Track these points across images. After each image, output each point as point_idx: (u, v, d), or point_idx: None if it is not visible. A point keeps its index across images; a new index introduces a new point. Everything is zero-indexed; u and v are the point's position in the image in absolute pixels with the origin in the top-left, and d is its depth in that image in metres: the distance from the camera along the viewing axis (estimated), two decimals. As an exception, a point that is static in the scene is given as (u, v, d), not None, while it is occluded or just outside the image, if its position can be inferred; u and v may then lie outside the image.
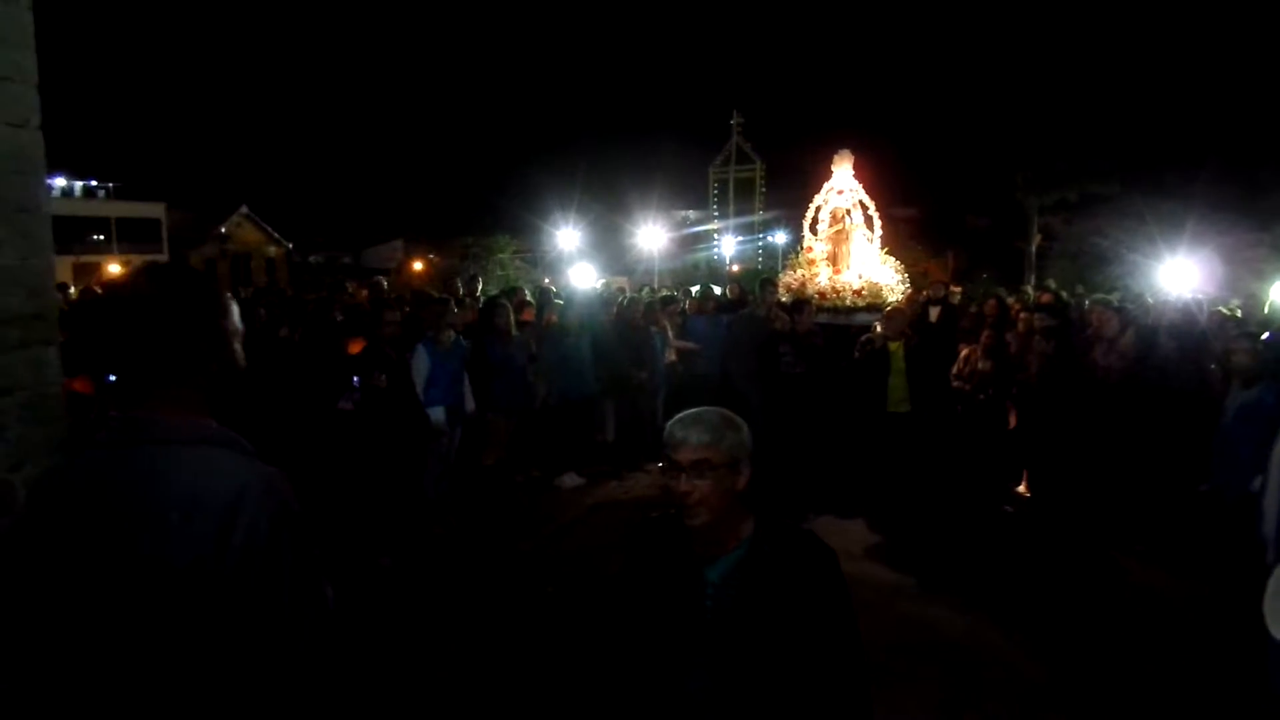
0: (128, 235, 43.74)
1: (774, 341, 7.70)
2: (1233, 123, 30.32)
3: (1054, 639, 4.58)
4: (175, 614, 1.30)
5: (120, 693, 1.31)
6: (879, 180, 10.93)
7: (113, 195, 45.45)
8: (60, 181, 43.04)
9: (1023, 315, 7.68)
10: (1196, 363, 6.53)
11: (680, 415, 1.96)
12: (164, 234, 45.24)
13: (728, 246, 39.74)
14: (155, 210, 45.03)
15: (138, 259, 43.05)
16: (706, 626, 1.86)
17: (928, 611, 4.93)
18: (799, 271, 10.01)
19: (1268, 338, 5.48)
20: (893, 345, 7.17)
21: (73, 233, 40.70)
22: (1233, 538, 4.65)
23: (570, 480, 7.71)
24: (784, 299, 9.05)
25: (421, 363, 6.35)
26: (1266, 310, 8.94)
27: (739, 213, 39.77)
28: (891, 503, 6.72)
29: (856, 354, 7.36)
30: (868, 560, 5.77)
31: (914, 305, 9.10)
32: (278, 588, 1.34)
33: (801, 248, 10.40)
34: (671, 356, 8.39)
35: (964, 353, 7.58)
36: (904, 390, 7.10)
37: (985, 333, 7.54)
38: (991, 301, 8.64)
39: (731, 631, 1.84)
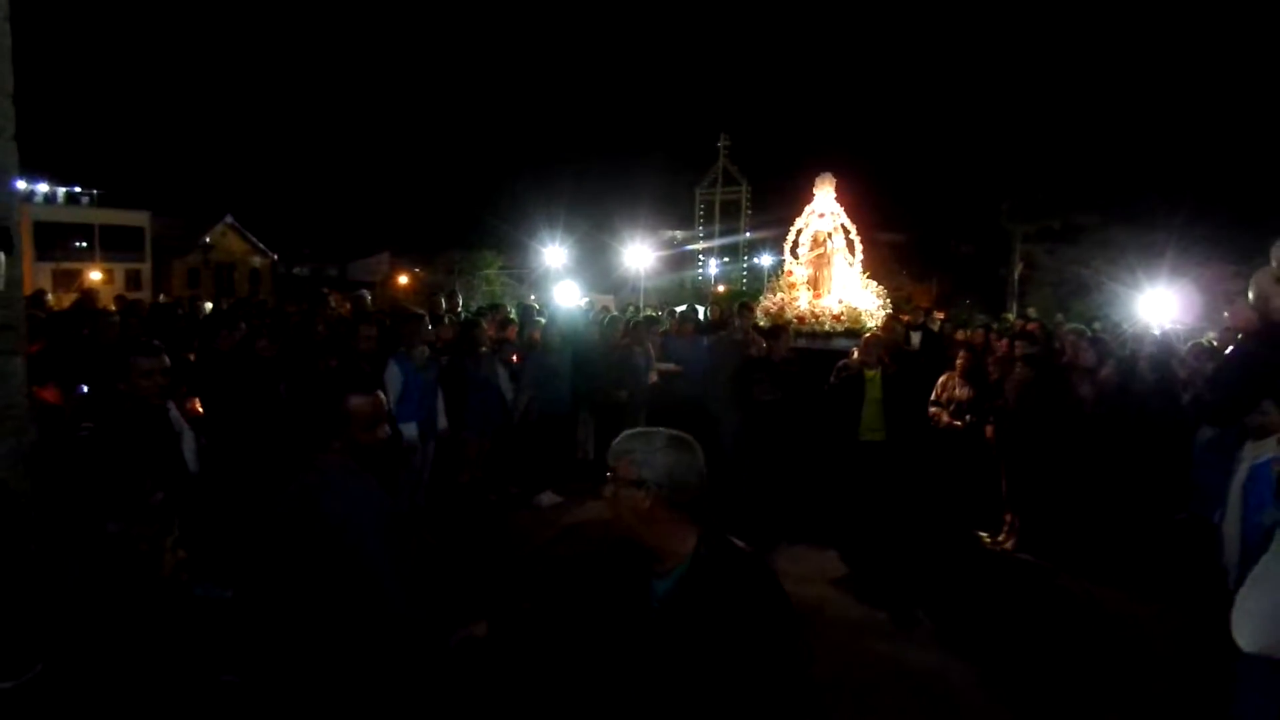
0: (111, 243, 43.45)
1: (750, 367, 7.60)
2: (1213, 158, 30.82)
3: (1029, 677, 4.51)
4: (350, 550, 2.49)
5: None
6: (865, 205, 10.88)
7: (96, 202, 45.13)
8: (43, 187, 42.73)
9: (1001, 341, 7.68)
10: (1172, 393, 6.59)
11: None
12: (148, 242, 44.95)
13: (713, 267, 39.91)
14: (139, 219, 44.78)
15: (120, 267, 42.90)
16: (649, 637, 1.93)
17: (900, 650, 4.82)
18: (778, 295, 9.88)
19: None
20: (869, 373, 7.07)
21: (54, 239, 40.41)
22: (1203, 566, 4.69)
23: (548, 499, 7.66)
24: (762, 323, 8.94)
25: (394, 378, 6.31)
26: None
27: (725, 234, 39.99)
28: (864, 533, 6.62)
29: (832, 379, 7.24)
30: (839, 594, 5.69)
31: (893, 330, 8.90)
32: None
33: (783, 270, 10.33)
34: (653, 377, 8.37)
35: (942, 379, 7.55)
36: (878, 418, 6.98)
37: (960, 358, 7.46)
38: (979, 332, 8.59)
39: (667, 643, 1.90)
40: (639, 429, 2.07)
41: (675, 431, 2.04)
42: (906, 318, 11.12)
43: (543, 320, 9.27)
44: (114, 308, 10.52)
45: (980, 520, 7.17)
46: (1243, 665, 3.14)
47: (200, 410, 5.57)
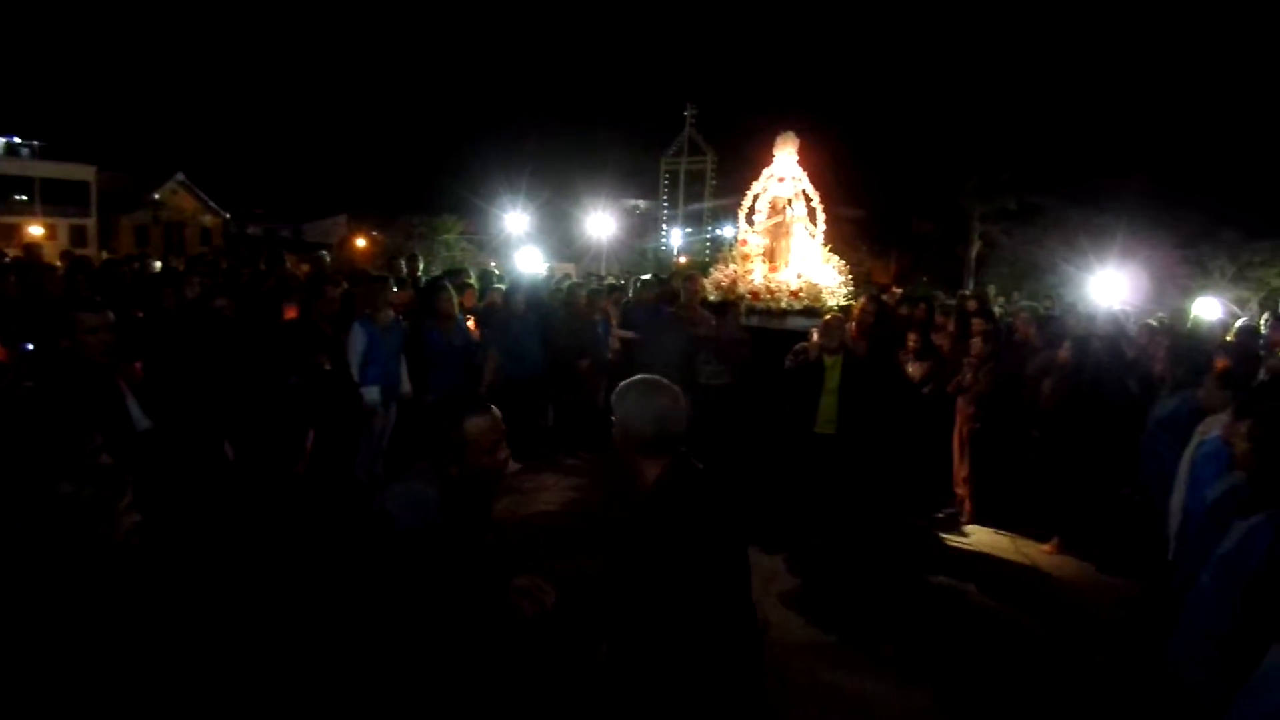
0: (53, 197, 42.03)
1: (695, 347, 6.98)
2: (1163, 148, 31.53)
3: (989, 707, 4.22)
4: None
5: None
6: (826, 178, 10.36)
7: (38, 154, 43.53)
8: (-20, 137, 41.15)
9: (948, 319, 7.67)
10: (1122, 372, 6.74)
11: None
12: (93, 197, 43.54)
13: (676, 238, 39.76)
14: (85, 172, 43.34)
15: (64, 222, 41.55)
16: (623, 541, 2.38)
17: (853, 676, 4.37)
18: (731, 266, 8.92)
19: (1179, 346, 5.67)
20: (829, 360, 6.37)
21: (-10, 191, 39.00)
22: (1146, 540, 4.83)
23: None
24: (712, 297, 8.26)
25: (358, 341, 6.23)
26: (1189, 325, 9.27)
27: (689, 204, 39.83)
28: (814, 538, 6.06)
29: (788, 364, 6.58)
30: (787, 610, 5.14)
31: (866, 311, 7.79)
32: None
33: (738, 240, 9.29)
34: (613, 344, 8.31)
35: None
36: (833, 410, 6.30)
37: (911, 338, 7.20)
38: (921, 306, 8.23)
39: (630, 542, 2.33)
40: (629, 379, 2.43)
41: (639, 380, 2.41)
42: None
43: (502, 287, 9.14)
44: (59, 263, 10.20)
45: (932, 497, 7.16)
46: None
47: (140, 374, 5.40)
